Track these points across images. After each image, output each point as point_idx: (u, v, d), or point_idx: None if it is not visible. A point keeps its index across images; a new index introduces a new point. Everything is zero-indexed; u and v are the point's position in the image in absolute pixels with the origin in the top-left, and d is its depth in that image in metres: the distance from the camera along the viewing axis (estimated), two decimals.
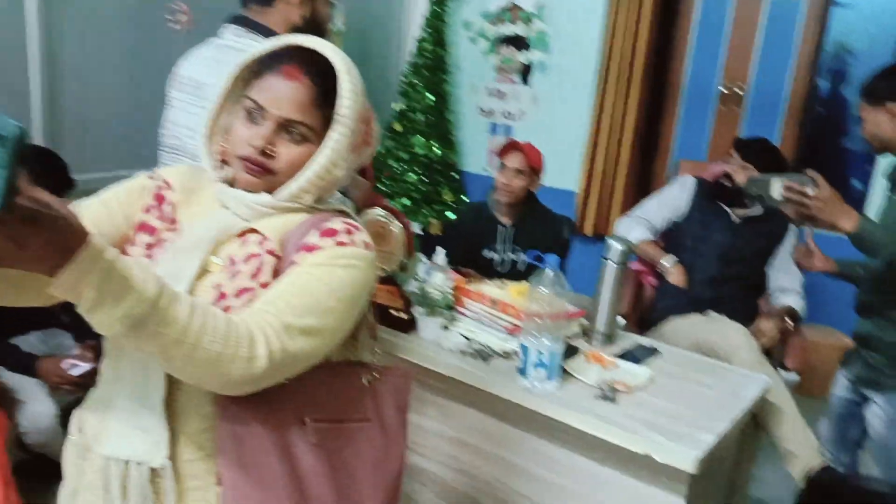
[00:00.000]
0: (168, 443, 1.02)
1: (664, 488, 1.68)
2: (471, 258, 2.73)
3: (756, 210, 2.69)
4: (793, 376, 2.47)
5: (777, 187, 1.86)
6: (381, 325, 1.88)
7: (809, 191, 1.80)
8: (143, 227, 1.11)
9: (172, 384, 1.02)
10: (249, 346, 0.91)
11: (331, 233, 1.04)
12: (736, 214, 2.70)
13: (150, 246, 1.09)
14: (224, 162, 1.13)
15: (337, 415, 1.10)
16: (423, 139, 4.65)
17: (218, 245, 1.06)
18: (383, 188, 4.66)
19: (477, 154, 5.04)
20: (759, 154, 2.65)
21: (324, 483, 1.04)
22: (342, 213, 1.12)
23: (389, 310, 2.07)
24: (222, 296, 1.01)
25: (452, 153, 4.86)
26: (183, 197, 1.12)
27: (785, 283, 2.68)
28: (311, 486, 1.03)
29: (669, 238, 2.83)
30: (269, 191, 1.07)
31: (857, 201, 4.09)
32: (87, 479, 1.07)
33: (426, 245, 3.45)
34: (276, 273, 1.03)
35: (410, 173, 4.65)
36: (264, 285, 1.02)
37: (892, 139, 2.07)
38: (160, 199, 1.13)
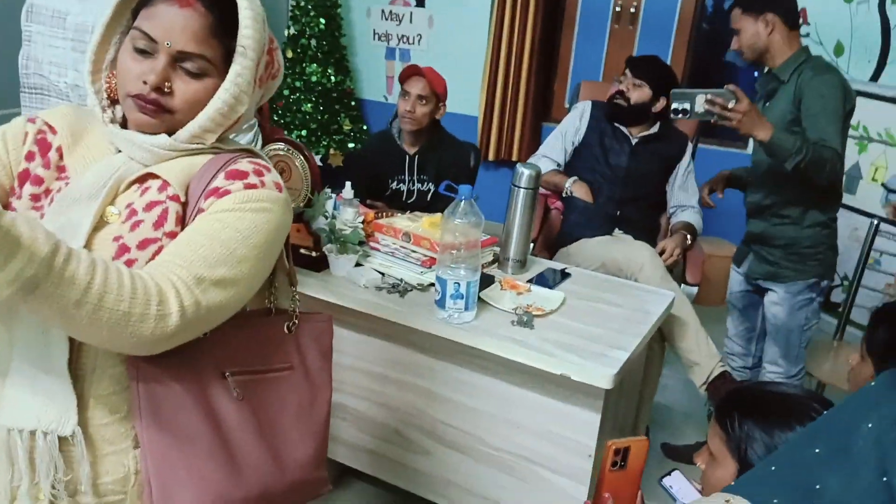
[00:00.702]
0: (77, 408, 0.94)
1: (581, 405, 1.75)
2: (376, 190, 2.67)
3: (653, 129, 2.75)
4: (692, 289, 2.60)
5: (701, 101, 1.98)
6: None
7: (731, 104, 1.93)
8: (27, 178, 0.99)
9: (77, 345, 0.94)
10: (160, 303, 0.84)
11: (239, 175, 0.97)
12: (633, 134, 2.74)
13: (36, 198, 0.98)
14: (113, 101, 1.02)
15: (258, 365, 1.05)
16: (317, 66, 4.45)
17: (114, 193, 0.97)
18: (278, 119, 4.46)
19: (375, 81, 4.89)
20: (651, 71, 2.69)
21: (250, 437, 1.00)
22: (249, 152, 1.04)
23: (299, 249, 2.00)
24: (124, 249, 0.93)
25: (349, 80, 4.69)
26: (69, 141, 1.01)
27: (682, 200, 2.78)
28: (236, 441, 0.99)
29: (573, 163, 2.86)
30: (168, 131, 0.98)
31: None
32: None
33: (328, 177, 3.36)
34: (182, 221, 0.96)
35: (306, 103, 4.46)
36: (170, 235, 0.94)
37: (765, 49, 2.16)
38: (43, 144, 1.01)
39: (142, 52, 0.94)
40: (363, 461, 2.12)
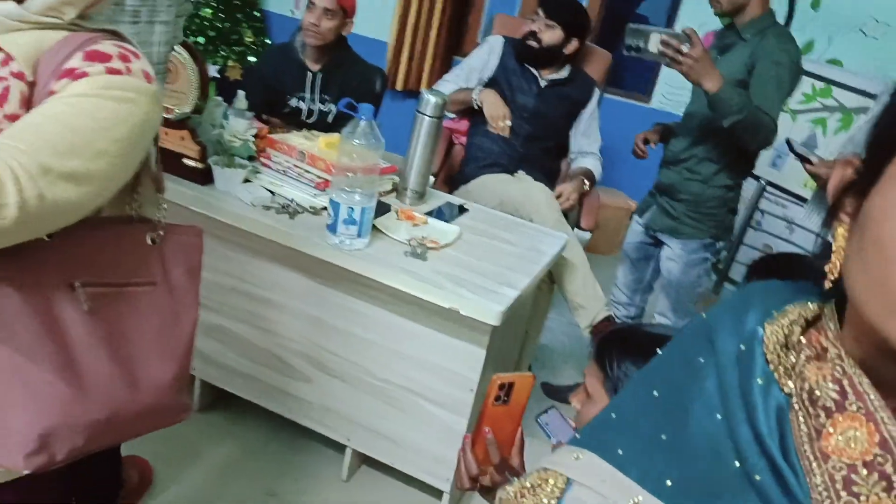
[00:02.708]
0: None
1: (467, 340, 1.73)
2: (274, 106, 2.51)
3: (563, 73, 2.72)
4: (585, 235, 2.63)
5: (655, 41, 1.93)
6: (171, 175, 1.67)
7: (684, 48, 1.88)
8: None
9: None
10: None
11: (100, 57, 0.85)
12: (542, 76, 2.70)
13: None
14: None
15: (114, 278, 0.94)
16: None
17: None
18: None
19: None
20: (564, 12, 2.62)
21: (101, 355, 0.90)
22: (114, 34, 0.91)
23: (181, 158, 1.85)
24: None
25: None
26: None
27: (584, 147, 2.78)
28: (83, 360, 0.89)
29: None
30: None
31: (650, 69, 4.32)
32: None
33: (224, 91, 3.14)
34: (27, 104, 0.83)
35: (205, 7, 4.14)
36: (11, 118, 0.81)
37: (745, 5, 2.11)
38: None
39: None
40: (239, 385, 2.05)
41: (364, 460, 2.07)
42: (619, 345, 1.11)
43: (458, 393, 1.79)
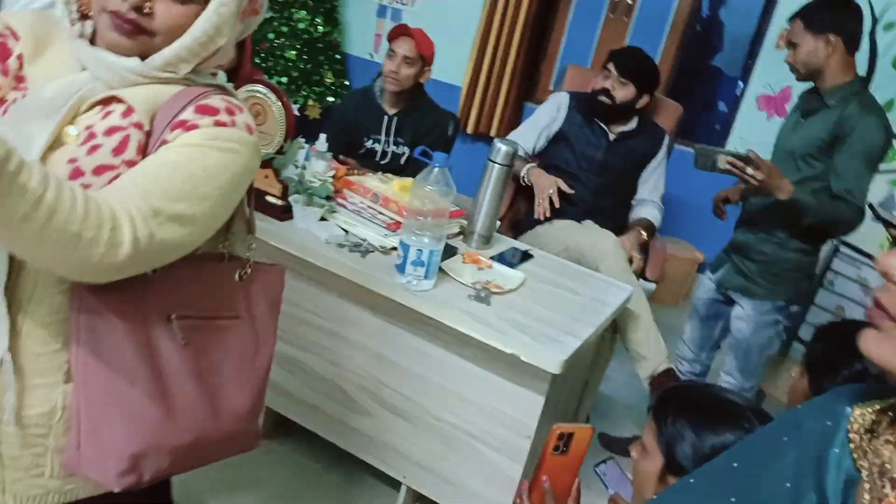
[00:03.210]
0: (9, 333, 0.90)
1: (527, 387, 1.76)
2: (351, 146, 2.63)
3: (631, 125, 2.74)
4: (650, 285, 2.62)
5: (722, 160, 2.09)
6: (254, 210, 1.78)
7: (749, 171, 2.01)
8: None
9: (17, 266, 0.90)
10: (112, 230, 0.80)
11: (209, 111, 0.93)
12: (612, 130, 2.72)
13: None
14: (84, 15, 0.97)
15: (205, 312, 1.02)
16: (306, 14, 4.34)
17: (74, 113, 0.92)
18: (260, 63, 4.35)
19: (363, 37, 4.79)
20: (637, 69, 2.65)
21: (189, 381, 0.98)
22: (221, 89, 1.00)
23: (265, 195, 1.96)
24: (78, 173, 0.89)
25: (337, 33, 4.59)
26: (32, 50, 0.95)
27: (644, 194, 2.78)
28: (174, 387, 0.96)
29: (547, 151, 2.82)
30: (140, 55, 0.93)
31: (723, 123, 4.30)
32: None
33: (303, 128, 3.29)
34: (143, 151, 0.92)
35: (290, 49, 4.36)
36: (129, 164, 0.90)
37: (820, 69, 2.13)
38: (3, 50, 0.95)
39: None
40: (302, 414, 2.11)
41: (418, 498, 2.10)
42: (677, 401, 1.12)
43: (515, 439, 1.81)
